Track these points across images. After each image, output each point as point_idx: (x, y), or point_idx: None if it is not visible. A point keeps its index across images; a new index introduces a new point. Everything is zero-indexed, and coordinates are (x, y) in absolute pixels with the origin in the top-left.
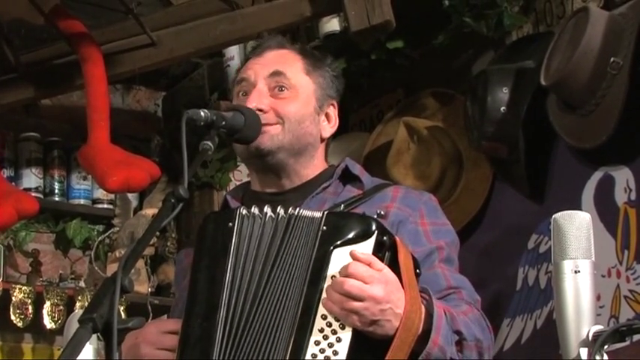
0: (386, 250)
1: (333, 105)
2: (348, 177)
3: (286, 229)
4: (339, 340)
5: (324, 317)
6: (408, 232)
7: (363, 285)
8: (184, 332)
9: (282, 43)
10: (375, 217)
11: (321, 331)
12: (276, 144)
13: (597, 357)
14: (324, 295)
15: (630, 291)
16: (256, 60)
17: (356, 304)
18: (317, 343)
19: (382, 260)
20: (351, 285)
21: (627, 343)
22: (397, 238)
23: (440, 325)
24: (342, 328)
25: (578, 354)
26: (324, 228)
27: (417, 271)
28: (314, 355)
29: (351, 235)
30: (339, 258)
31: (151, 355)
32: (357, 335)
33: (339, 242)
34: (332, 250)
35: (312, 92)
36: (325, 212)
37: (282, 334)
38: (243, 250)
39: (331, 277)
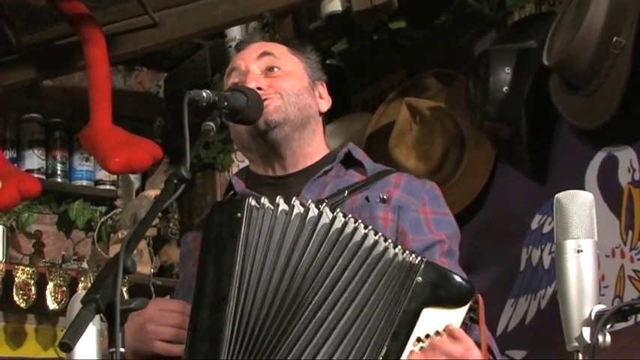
0: (471, 312)
1: (322, 84)
2: (350, 161)
3: (348, 243)
4: None
5: None
6: (410, 220)
7: None
8: (193, 323)
9: (263, 37)
10: (378, 201)
11: None
12: (282, 115)
13: (600, 336)
14: (405, 353)
15: (634, 271)
16: (242, 52)
17: None
18: None
19: (465, 326)
20: None
21: (631, 322)
22: (480, 299)
23: None
24: None
25: (581, 333)
26: (419, 279)
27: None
28: None
29: (446, 297)
30: (428, 318)
31: (155, 331)
32: None
33: (432, 302)
34: (422, 309)
35: (303, 69)
36: (424, 260)
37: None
38: (252, 242)
39: (416, 339)
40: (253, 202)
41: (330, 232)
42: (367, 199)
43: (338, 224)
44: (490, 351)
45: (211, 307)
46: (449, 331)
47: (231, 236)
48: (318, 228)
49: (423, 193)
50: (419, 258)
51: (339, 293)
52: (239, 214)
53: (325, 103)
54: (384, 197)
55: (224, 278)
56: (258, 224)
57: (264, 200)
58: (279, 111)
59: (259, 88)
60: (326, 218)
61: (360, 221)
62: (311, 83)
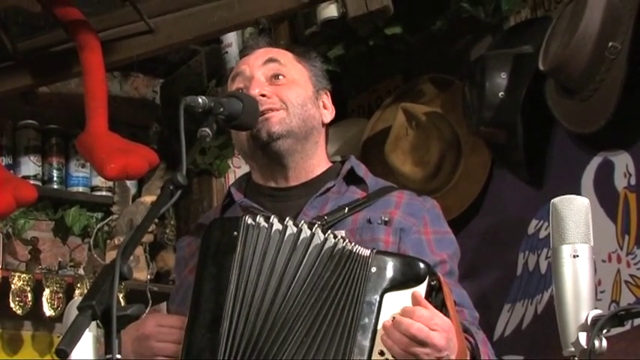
0: (433, 291)
1: (326, 93)
2: (352, 177)
3: (313, 252)
4: None
5: (381, 353)
6: (412, 242)
7: (429, 331)
8: (188, 341)
9: (269, 42)
10: (380, 223)
11: None
12: (286, 127)
13: (596, 341)
14: (377, 342)
15: (631, 276)
16: (247, 57)
17: (418, 349)
18: None
19: (431, 304)
20: (419, 329)
21: (627, 327)
22: (442, 278)
23: None
24: None
25: (577, 338)
26: (374, 269)
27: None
28: None
29: (403, 279)
30: (390, 303)
31: (157, 348)
32: None
33: (390, 287)
34: (383, 296)
35: (308, 78)
36: (374, 251)
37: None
38: (247, 261)
39: (386, 321)
40: (249, 221)
41: (322, 253)
42: (369, 220)
43: (329, 245)
44: (468, 331)
45: (206, 326)
46: (414, 298)
47: (228, 255)
48: (310, 250)
49: (424, 213)
50: (369, 250)
51: (330, 314)
52: (235, 233)
53: (329, 114)
54: (386, 219)
55: (219, 297)
56: (253, 243)
57: (259, 219)
58: (283, 123)
59: (263, 95)
60: (318, 239)
61: (349, 241)
62: (315, 93)
